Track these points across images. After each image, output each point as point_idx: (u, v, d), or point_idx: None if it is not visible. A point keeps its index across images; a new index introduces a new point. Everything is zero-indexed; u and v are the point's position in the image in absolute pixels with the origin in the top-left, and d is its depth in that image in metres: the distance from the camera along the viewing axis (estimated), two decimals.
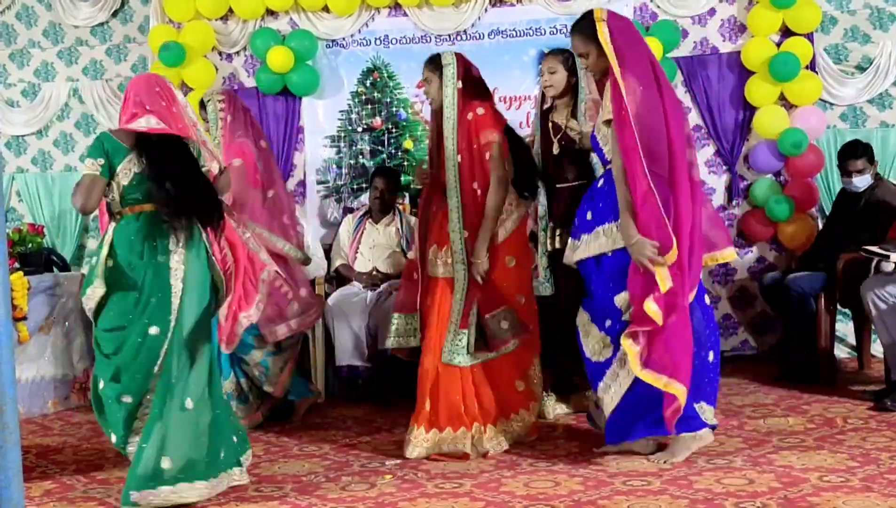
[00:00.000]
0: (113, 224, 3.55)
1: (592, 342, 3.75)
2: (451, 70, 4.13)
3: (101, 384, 3.53)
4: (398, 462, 3.91)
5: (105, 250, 3.49)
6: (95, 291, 3.49)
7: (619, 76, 3.56)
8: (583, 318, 3.82)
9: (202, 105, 4.84)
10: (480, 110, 4.10)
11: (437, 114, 4.22)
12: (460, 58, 4.20)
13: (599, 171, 3.93)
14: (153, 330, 3.44)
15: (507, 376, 4.13)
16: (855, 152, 5.30)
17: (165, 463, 3.36)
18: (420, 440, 4.00)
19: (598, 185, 3.82)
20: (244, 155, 4.67)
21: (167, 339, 3.45)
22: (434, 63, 4.20)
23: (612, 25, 3.66)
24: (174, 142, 3.55)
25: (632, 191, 3.52)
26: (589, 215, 3.77)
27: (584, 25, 3.73)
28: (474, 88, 4.18)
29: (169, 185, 3.47)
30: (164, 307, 3.45)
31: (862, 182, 5.28)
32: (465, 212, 4.07)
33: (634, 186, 3.52)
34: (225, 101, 4.79)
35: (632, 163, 3.52)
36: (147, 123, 3.49)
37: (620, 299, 3.64)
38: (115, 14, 6.85)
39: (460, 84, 4.12)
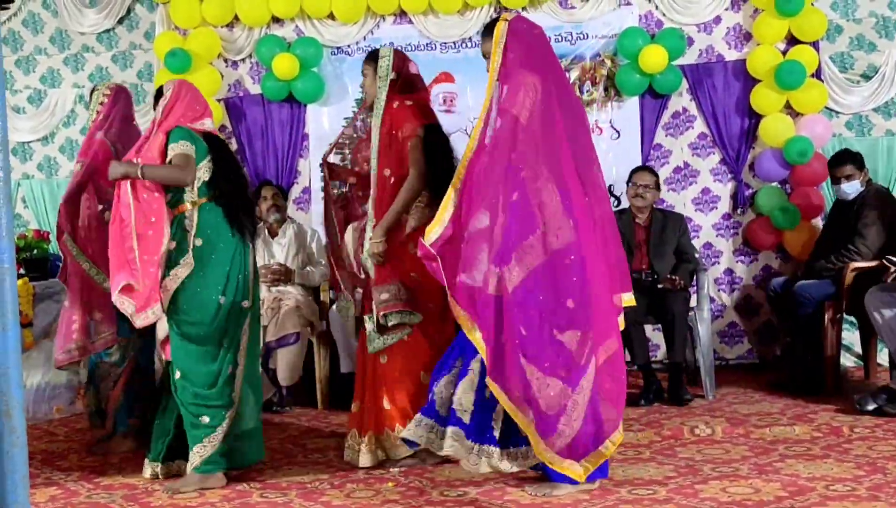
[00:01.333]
0: (194, 210, 3.82)
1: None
2: (385, 62, 4.06)
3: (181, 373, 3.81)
4: (402, 469, 3.90)
5: (192, 231, 3.78)
6: (182, 270, 3.76)
7: (498, 77, 3.51)
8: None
9: (92, 92, 4.68)
10: (408, 102, 4.04)
11: (370, 108, 4.15)
12: (398, 53, 4.14)
13: None
14: (245, 304, 3.87)
15: (414, 368, 3.97)
16: (842, 159, 5.34)
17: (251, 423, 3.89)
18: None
19: None
20: (92, 154, 4.40)
21: (250, 314, 3.90)
22: (371, 57, 4.15)
23: (512, 27, 3.55)
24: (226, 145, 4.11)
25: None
26: None
27: (490, 27, 3.65)
28: (409, 83, 4.13)
29: (234, 184, 3.97)
30: (248, 284, 3.88)
31: (851, 188, 5.29)
32: (376, 199, 4.00)
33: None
34: (109, 96, 4.55)
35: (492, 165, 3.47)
36: (212, 125, 4.04)
37: None
38: (121, 21, 6.87)
39: (394, 75, 4.05)
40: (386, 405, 3.95)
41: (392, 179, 3.98)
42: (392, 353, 3.97)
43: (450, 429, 3.50)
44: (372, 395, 4.00)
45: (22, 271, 5.60)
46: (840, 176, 5.32)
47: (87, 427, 4.93)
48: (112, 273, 3.74)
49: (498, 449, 3.50)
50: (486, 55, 3.67)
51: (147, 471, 3.93)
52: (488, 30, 3.66)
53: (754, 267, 6.19)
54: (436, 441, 3.55)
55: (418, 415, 3.61)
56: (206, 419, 3.73)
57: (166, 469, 3.91)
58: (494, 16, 6.15)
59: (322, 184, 4.50)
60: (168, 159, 3.78)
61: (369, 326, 3.99)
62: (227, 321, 3.80)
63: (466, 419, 3.49)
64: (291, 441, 4.55)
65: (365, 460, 3.93)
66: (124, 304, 3.70)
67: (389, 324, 3.91)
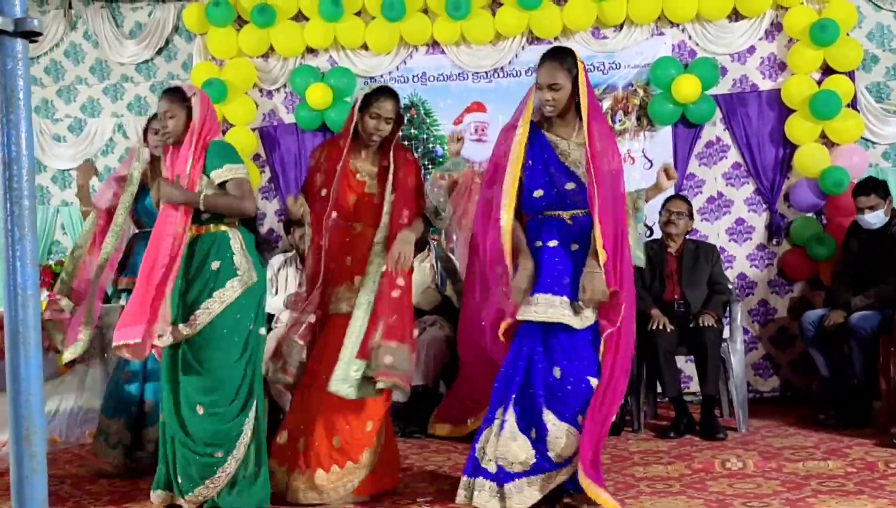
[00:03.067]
0: (235, 229, 3.70)
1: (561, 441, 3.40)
2: (400, 106, 3.96)
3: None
4: (429, 498, 3.88)
5: (241, 253, 3.66)
6: (228, 293, 3.59)
7: (594, 125, 3.46)
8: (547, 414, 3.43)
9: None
10: (410, 155, 3.98)
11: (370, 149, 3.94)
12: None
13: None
14: (262, 331, 3.73)
15: (361, 415, 3.80)
16: (866, 188, 5.26)
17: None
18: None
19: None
20: None
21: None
22: (396, 99, 3.90)
23: (586, 75, 3.54)
24: None
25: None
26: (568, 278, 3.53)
27: (568, 58, 3.52)
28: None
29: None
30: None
31: (875, 218, 5.22)
32: (388, 242, 3.84)
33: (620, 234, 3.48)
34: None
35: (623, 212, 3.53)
36: None
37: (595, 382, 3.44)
38: (159, 52, 7.00)
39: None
40: (335, 443, 3.79)
41: (406, 222, 3.86)
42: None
43: (512, 484, 3.39)
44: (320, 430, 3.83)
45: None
46: (864, 207, 5.24)
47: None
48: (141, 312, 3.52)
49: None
50: (555, 87, 3.48)
51: (157, 499, 3.71)
52: (563, 58, 3.51)
53: (789, 298, 6.11)
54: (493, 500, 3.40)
55: (465, 478, 3.46)
56: (219, 454, 3.54)
57: (171, 496, 3.70)
58: (525, 44, 6.25)
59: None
60: (219, 182, 3.60)
61: (359, 371, 3.72)
62: (255, 351, 3.65)
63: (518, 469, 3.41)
64: None
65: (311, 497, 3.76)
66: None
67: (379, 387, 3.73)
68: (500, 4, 6.27)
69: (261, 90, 6.69)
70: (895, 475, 3.96)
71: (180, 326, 3.58)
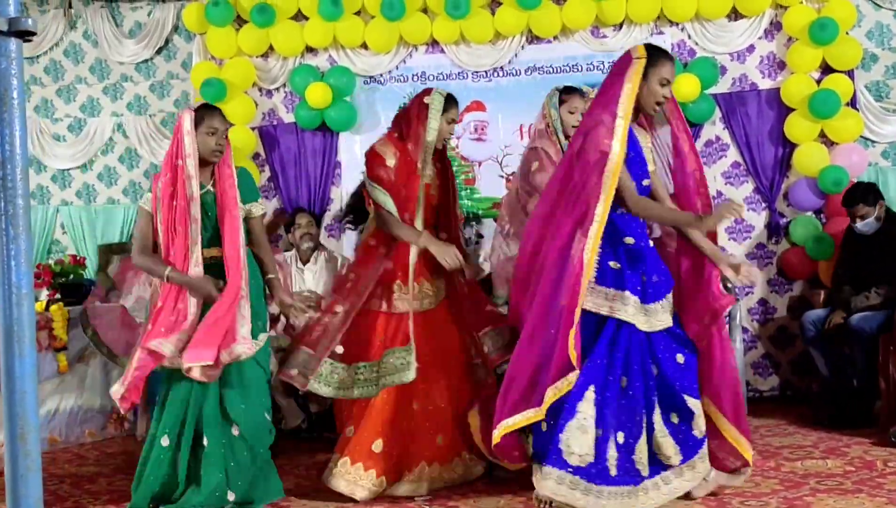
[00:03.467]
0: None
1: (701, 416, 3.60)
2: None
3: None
4: (429, 497, 3.89)
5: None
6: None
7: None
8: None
9: None
10: None
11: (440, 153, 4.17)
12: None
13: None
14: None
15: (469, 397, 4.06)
16: (853, 199, 5.28)
17: None
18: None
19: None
20: None
21: None
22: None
23: None
24: None
25: None
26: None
27: None
28: None
29: None
30: None
31: (867, 226, 5.24)
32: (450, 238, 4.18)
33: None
34: None
35: None
36: None
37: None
38: (158, 51, 6.99)
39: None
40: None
41: None
42: None
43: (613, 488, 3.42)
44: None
45: (58, 295, 5.69)
46: (854, 215, 5.25)
47: (117, 452, 4.98)
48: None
49: (670, 472, 3.53)
50: (669, 84, 3.68)
51: None
52: None
53: (788, 298, 6.10)
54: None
55: (551, 469, 3.40)
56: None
57: None
58: (525, 44, 6.26)
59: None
60: (249, 215, 3.88)
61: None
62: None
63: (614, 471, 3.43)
64: (319, 469, 4.53)
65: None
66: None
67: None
68: (500, 4, 6.26)
69: (260, 89, 6.69)
70: (893, 473, 3.96)
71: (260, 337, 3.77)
